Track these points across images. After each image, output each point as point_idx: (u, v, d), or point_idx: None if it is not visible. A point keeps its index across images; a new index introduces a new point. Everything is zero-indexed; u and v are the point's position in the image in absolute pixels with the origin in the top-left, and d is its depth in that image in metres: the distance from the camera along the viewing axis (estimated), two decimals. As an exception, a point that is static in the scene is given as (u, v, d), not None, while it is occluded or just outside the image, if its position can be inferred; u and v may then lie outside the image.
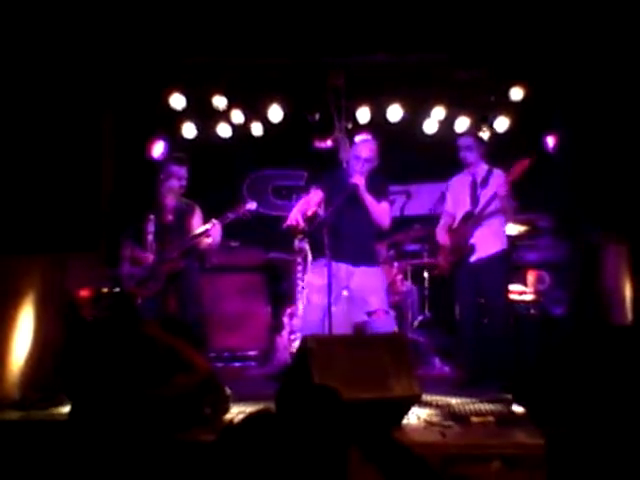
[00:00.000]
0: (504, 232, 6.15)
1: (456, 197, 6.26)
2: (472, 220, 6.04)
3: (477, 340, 6.01)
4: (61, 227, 6.13)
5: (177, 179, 6.08)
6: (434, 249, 7.24)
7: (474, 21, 6.40)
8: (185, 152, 6.32)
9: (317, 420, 2.02)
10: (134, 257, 6.07)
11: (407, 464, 1.85)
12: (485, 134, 7.38)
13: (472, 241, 6.02)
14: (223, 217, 5.91)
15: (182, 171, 6.11)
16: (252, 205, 6.00)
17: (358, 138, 6.31)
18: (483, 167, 6.15)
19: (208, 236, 5.91)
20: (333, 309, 5.51)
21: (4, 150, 5.59)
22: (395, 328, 5.86)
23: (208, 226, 5.90)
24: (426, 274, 7.52)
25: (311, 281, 5.91)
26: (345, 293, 5.95)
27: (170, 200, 6.13)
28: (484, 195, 6.02)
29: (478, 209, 6.01)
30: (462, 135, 6.43)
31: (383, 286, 5.90)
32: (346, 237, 5.60)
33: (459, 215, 6.19)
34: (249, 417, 1.96)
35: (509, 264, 6.44)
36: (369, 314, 5.73)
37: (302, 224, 5.74)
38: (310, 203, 5.92)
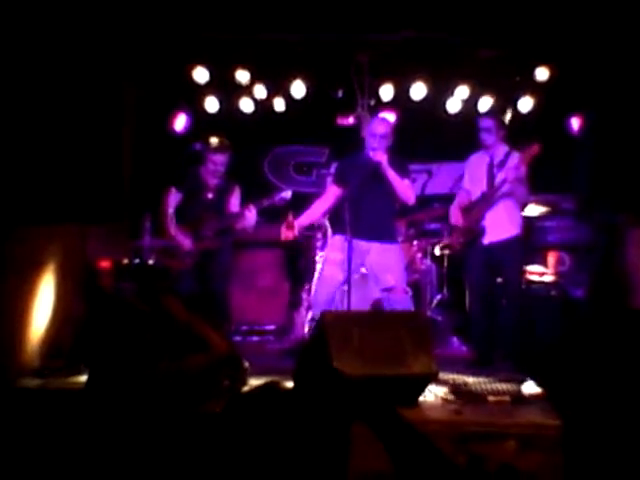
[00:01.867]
0: (520, 217, 6.11)
1: (473, 176, 6.22)
2: (485, 201, 6.02)
3: (488, 321, 6.01)
4: (83, 198, 6.16)
5: (213, 164, 6.13)
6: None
7: (500, 0, 6.34)
8: (212, 134, 6.33)
9: (321, 395, 2.03)
10: (162, 232, 6.15)
11: (410, 440, 1.86)
12: (507, 116, 7.33)
13: (484, 223, 5.98)
14: (258, 202, 6.01)
15: (222, 158, 6.16)
16: (287, 194, 6.13)
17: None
18: (502, 149, 6.10)
19: (244, 219, 5.99)
20: (347, 283, 5.53)
21: (27, 122, 5.61)
22: (411, 307, 5.87)
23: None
24: (438, 252, 7.48)
25: (328, 256, 5.93)
26: (363, 270, 5.97)
27: (212, 179, 6.19)
28: (500, 177, 5.98)
29: (490, 191, 5.98)
30: (483, 116, 6.36)
31: (401, 264, 5.92)
32: (365, 214, 5.61)
33: (475, 195, 6.16)
34: (255, 389, 1.98)
35: (524, 249, 6.40)
36: (386, 290, 5.75)
37: (295, 236, 5.89)
38: (325, 204, 5.96)
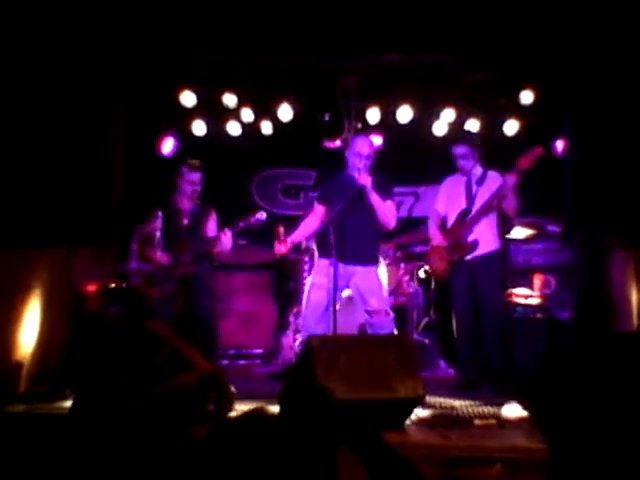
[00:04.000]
0: (498, 231, 6.15)
1: (450, 197, 6.24)
2: (470, 217, 6.03)
3: (473, 343, 6.01)
4: (70, 221, 6.15)
5: (190, 184, 6.11)
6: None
7: (485, 24, 6.39)
8: (199, 158, 6.33)
9: (308, 419, 2.04)
10: (148, 257, 6.11)
11: (392, 465, 1.86)
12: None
13: (473, 237, 6.01)
14: (234, 225, 5.98)
15: (195, 176, 6.14)
16: (262, 215, 6.06)
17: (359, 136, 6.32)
18: (478, 169, 6.15)
19: (220, 243, 5.97)
20: (337, 308, 5.54)
21: (15, 145, 5.61)
22: (394, 329, 5.88)
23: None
24: (422, 274, 7.48)
25: (314, 280, 5.93)
26: (347, 292, 5.97)
27: (186, 204, 6.18)
28: (480, 193, 6.02)
29: (477, 206, 6.00)
30: (456, 143, 6.33)
31: (382, 286, 5.93)
32: (349, 236, 5.62)
33: (452, 214, 6.18)
34: (241, 416, 1.98)
35: (504, 264, 6.44)
36: (369, 313, 5.76)
37: (288, 249, 5.93)
38: (312, 224, 5.99)
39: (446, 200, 6.28)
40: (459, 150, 6.14)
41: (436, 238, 6.27)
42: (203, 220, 6.20)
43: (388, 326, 5.77)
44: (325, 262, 5.77)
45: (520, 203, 5.99)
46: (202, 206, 6.27)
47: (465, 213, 6.07)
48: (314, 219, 6.05)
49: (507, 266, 6.82)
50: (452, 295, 6.29)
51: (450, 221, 6.20)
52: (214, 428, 1.96)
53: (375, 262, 5.96)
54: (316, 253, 6.61)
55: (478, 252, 5.99)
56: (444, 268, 6.17)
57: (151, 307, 6.00)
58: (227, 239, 5.96)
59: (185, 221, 6.19)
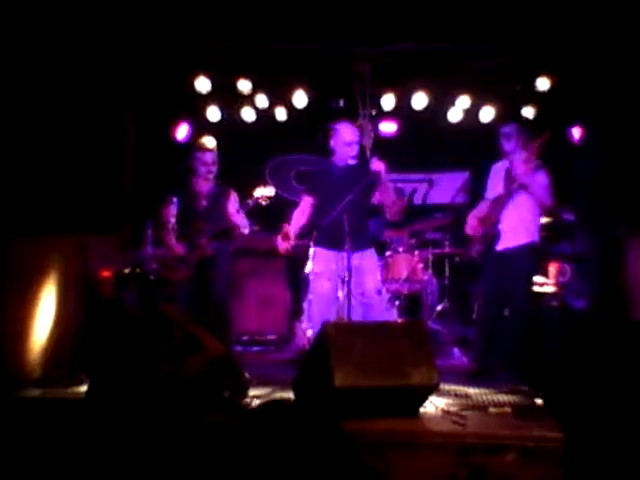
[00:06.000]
0: (536, 224, 6.00)
1: (493, 184, 6.12)
2: (498, 202, 5.97)
3: (493, 331, 5.98)
4: (84, 208, 6.16)
5: (203, 165, 6.03)
6: (456, 238, 7.20)
7: (501, 10, 6.34)
8: (212, 135, 6.27)
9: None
10: (164, 242, 6.08)
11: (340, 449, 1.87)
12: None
13: (500, 227, 5.94)
14: (244, 204, 5.90)
15: (208, 157, 6.04)
16: (269, 191, 5.90)
17: (341, 125, 6.01)
18: (521, 154, 6.01)
19: (235, 222, 5.92)
20: (340, 294, 5.54)
21: (28, 133, 5.63)
22: (388, 308, 5.86)
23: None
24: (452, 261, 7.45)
25: (314, 269, 5.86)
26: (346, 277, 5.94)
27: (204, 186, 6.09)
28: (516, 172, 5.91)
29: (504, 190, 5.93)
30: (506, 123, 6.23)
31: (377, 266, 5.94)
32: (343, 224, 5.53)
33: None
34: (264, 406, 1.99)
35: (537, 258, 6.32)
36: (360, 294, 5.71)
37: (292, 246, 5.86)
38: (301, 216, 5.96)
39: (490, 189, 6.15)
40: (505, 129, 6.01)
41: (471, 227, 6.12)
42: (222, 201, 6.08)
43: (380, 306, 5.77)
44: (322, 250, 5.76)
45: (553, 194, 5.88)
46: (221, 187, 6.14)
47: (498, 198, 5.99)
48: (303, 211, 5.96)
49: (538, 261, 6.68)
50: (480, 283, 6.24)
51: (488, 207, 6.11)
52: (237, 417, 1.96)
53: (369, 245, 5.90)
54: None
55: (510, 243, 5.87)
56: (476, 257, 6.12)
57: (171, 291, 5.98)
58: (240, 218, 5.89)
59: (204, 203, 6.07)
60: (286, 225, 5.86)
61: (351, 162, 5.74)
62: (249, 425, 1.92)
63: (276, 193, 6.05)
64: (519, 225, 5.89)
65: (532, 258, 6.07)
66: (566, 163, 7.19)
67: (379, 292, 5.81)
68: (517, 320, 5.90)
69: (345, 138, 5.79)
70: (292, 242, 5.82)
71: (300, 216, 5.97)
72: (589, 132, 7.19)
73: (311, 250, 5.93)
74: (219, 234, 5.95)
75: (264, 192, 5.87)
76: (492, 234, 5.94)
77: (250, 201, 5.89)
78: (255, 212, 6.08)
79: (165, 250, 6.04)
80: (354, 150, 5.74)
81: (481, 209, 6.16)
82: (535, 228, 6.00)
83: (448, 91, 7.63)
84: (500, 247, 5.93)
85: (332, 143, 5.88)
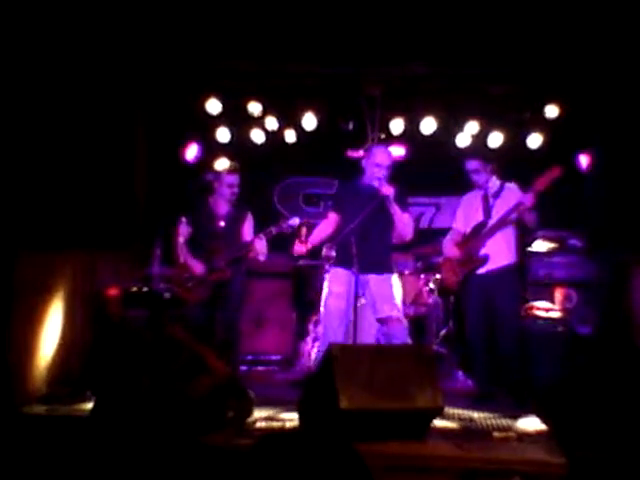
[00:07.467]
0: (516, 244, 6.09)
1: (467, 213, 6.23)
2: (485, 231, 6.02)
3: (488, 355, 5.98)
4: (93, 226, 6.20)
5: (228, 187, 6.12)
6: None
7: (511, 37, 6.40)
8: (237, 161, 6.38)
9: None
10: (173, 262, 6.13)
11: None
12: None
13: (484, 252, 5.99)
14: (267, 231, 5.96)
15: (234, 179, 6.14)
16: (295, 221, 6.04)
17: (381, 147, 6.29)
18: (495, 182, 6.13)
19: (253, 248, 5.97)
20: (353, 317, 5.54)
21: (41, 151, 5.68)
22: (408, 338, 5.85)
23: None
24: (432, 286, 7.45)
25: (331, 288, 5.90)
26: (362, 301, 5.95)
27: (223, 207, 6.18)
28: (497, 206, 6.00)
29: (494, 219, 5.98)
30: (467, 158, 6.30)
31: (397, 294, 5.89)
32: (365, 246, 5.59)
33: (469, 228, 6.17)
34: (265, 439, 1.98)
35: (521, 278, 6.40)
36: (381, 322, 5.75)
37: (308, 250, 5.94)
38: (325, 230, 6.01)
39: (464, 217, 6.27)
40: (470, 165, 6.15)
41: (448, 250, 6.29)
42: (239, 223, 6.18)
43: (402, 335, 5.74)
44: (342, 271, 5.76)
45: (539, 216, 5.95)
46: (238, 208, 6.25)
47: (481, 226, 6.05)
48: (327, 226, 6.04)
49: (524, 280, 6.79)
50: (466, 308, 6.28)
51: (467, 233, 6.19)
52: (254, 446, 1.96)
53: (389, 270, 5.93)
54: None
55: (492, 266, 5.95)
56: (455, 281, 6.17)
57: (181, 311, 6.01)
58: (262, 245, 5.96)
59: (221, 224, 6.18)
60: (304, 229, 5.93)
61: (376, 184, 5.76)
62: (253, 461, 1.92)
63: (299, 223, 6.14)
64: (502, 247, 5.97)
65: (517, 279, 6.16)
66: (573, 189, 7.22)
67: (399, 321, 5.78)
68: (510, 343, 5.91)
69: (375, 159, 5.85)
70: (309, 246, 5.88)
71: (325, 227, 6.02)
72: (597, 159, 7.22)
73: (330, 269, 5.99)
74: (237, 259, 6.01)
75: (290, 222, 5.96)
76: (478, 258, 5.98)
77: (274, 229, 5.95)
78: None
79: (178, 269, 6.07)
80: (381, 173, 5.78)
81: (455, 237, 6.27)
82: (515, 248, 6.09)
83: (457, 116, 7.66)
84: (483, 270, 5.97)
85: (364, 162, 5.98)
